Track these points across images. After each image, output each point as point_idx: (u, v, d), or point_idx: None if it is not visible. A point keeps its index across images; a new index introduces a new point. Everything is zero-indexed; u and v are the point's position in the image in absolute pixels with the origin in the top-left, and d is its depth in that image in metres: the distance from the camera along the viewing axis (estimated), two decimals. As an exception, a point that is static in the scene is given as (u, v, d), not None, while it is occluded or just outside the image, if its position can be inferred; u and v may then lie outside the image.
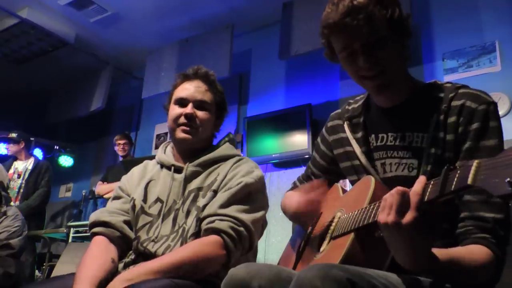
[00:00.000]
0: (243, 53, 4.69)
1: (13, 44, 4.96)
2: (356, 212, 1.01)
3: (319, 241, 1.14)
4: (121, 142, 4.56)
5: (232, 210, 1.29)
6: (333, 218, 1.14)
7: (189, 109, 1.43)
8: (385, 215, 0.83)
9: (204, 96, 1.46)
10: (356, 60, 1.05)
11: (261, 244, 3.89)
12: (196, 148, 1.47)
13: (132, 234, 1.39)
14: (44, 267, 4.16)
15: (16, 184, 4.55)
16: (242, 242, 1.28)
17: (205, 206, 1.33)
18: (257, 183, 1.38)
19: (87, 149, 6.04)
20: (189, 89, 1.46)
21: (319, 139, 1.38)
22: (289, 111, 4.05)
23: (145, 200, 1.42)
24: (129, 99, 5.76)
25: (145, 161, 1.59)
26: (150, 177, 1.48)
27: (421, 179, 0.83)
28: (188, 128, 1.42)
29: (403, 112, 1.11)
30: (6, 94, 6.02)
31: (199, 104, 1.45)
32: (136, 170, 1.56)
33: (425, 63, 3.54)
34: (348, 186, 1.31)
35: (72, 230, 4.19)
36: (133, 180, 1.51)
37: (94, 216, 1.41)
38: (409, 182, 0.92)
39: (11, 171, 4.59)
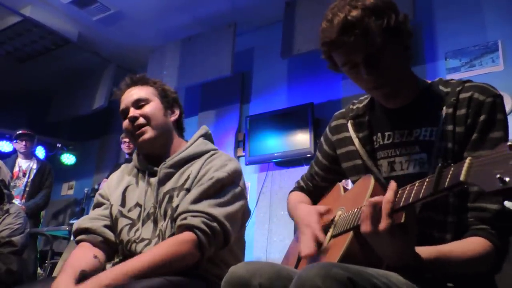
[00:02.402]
0: (245, 51, 4.69)
1: (16, 42, 4.98)
2: (355, 210, 1.02)
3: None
4: (127, 140, 4.53)
5: (204, 206, 1.27)
6: (334, 217, 1.15)
7: (130, 113, 1.43)
8: (364, 226, 0.90)
9: (138, 94, 1.45)
10: (360, 73, 1.05)
11: (262, 242, 3.93)
12: (160, 146, 1.45)
13: (113, 238, 1.41)
14: (46, 264, 4.18)
15: (21, 183, 4.57)
16: (216, 237, 1.26)
17: (178, 205, 1.32)
18: (230, 176, 1.35)
19: (89, 147, 6.05)
20: (123, 99, 1.48)
21: (322, 139, 1.37)
22: (291, 110, 4.05)
23: (123, 204, 1.43)
24: (132, 97, 5.76)
25: (123, 165, 1.59)
26: (128, 182, 1.49)
27: (392, 186, 0.89)
28: (138, 131, 1.41)
29: (410, 111, 1.11)
30: (8, 92, 6.03)
31: (136, 104, 1.44)
32: (114, 176, 1.56)
33: (427, 62, 3.53)
34: (350, 186, 1.31)
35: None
36: (112, 186, 1.52)
37: (76, 224, 1.43)
38: (421, 179, 0.92)
39: (16, 169, 4.61)
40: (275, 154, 4.01)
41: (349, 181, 1.27)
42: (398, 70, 1.06)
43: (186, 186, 1.36)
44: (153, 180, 1.42)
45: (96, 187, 4.99)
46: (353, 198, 1.13)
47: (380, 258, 0.95)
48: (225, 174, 1.34)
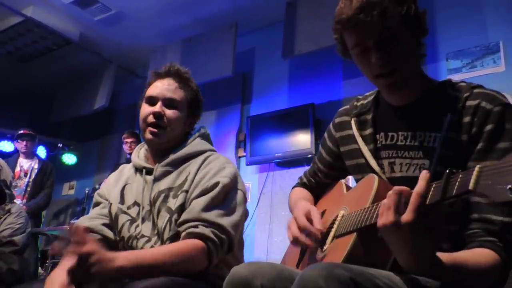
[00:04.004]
0: (246, 52, 4.69)
1: (18, 42, 4.98)
2: (359, 212, 1.01)
3: (321, 239, 1.14)
4: (128, 140, 4.55)
5: (214, 215, 1.29)
6: (337, 216, 1.14)
7: (157, 107, 1.41)
8: (383, 217, 0.83)
9: (174, 94, 1.44)
10: (369, 57, 1.02)
11: (263, 243, 3.93)
12: (166, 147, 1.45)
13: (112, 235, 1.42)
14: (47, 264, 4.18)
15: (23, 182, 4.58)
16: (223, 247, 1.29)
17: (179, 207, 1.33)
18: (232, 182, 1.37)
19: (90, 147, 6.06)
20: (159, 87, 1.44)
21: (326, 135, 1.36)
22: (292, 111, 4.05)
23: (122, 202, 1.44)
24: (133, 97, 5.76)
25: (122, 165, 1.60)
26: (125, 181, 1.49)
27: (424, 176, 0.81)
28: (155, 130, 1.40)
29: (415, 111, 1.09)
30: (10, 92, 6.04)
31: (168, 103, 1.42)
32: (112, 176, 1.57)
33: (428, 63, 3.52)
34: (351, 183, 1.31)
35: (75, 227, 4.20)
36: (110, 185, 1.53)
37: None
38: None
39: (17, 169, 4.61)
40: (276, 155, 4.01)
41: (351, 178, 1.27)
42: (408, 62, 1.04)
43: (185, 187, 1.36)
44: (149, 178, 1.43)
45: (97, 187, 4.99)
46: (356, 197, 1.12)
47: (384, 261, 0.94)
48: (229, 180, 1.36)
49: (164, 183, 1.40)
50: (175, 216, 1.33)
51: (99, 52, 5.24)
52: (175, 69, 1.49)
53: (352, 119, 1.22)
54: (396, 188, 0.83)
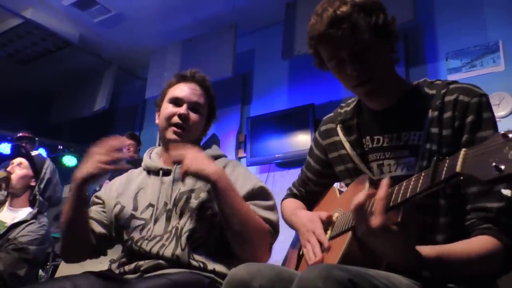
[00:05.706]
0: (246, 53, 4.69)
1: (17, 44, 4.99)
2: None
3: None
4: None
5: (274, 217, 1.38)
6: (332, 218, 1.15)
7: (183, 109, 1.45)
8: (358, 229, 0.91)
9: (199, 99, 1.50)
10: (345, 69, 1.06)
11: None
12: None
13: (101, 229, 1.45)
14: (48, 266, 4.18)
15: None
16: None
17: (200, 203, 1.35)
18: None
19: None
20: (185, 90, 1.49)
21: (312, 144, 1.38)
22: (292, 111, 4.06)
23: (135, 209, 1.44)
24: (133, 99, 5.77)
25: (129, 171, 1.61)
26: (138, 186, 1.49)
27: (384, 183, 0.89)
28: (179, 130, 1.44)
29: (396, 113, 1.12)
30: (10, 94, 6.04)
31: (194, 106, 1.48)
32: (117, 180, 1.58)
33: (428, 63, 3.53)
34: (344, 188, 1.31)
35: (75, 229, 4.19)
36: (111, 189, 1.53)
37: None
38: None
39: (18, 170, 4.60)
40: (276, 155, 4.01)
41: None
42: (382, 69, 1.08)
43: (208, 188, 1.38)
44: (167, 179, 1.44)
45: (97, 189, 4.98)
46: (349, 199, 1.12)
47: (380, 258, 0.95)
48: (264, 184, 1.45)
49: (185, 185, 1.41)
50: (196, 212, 1.35)
51: (99, 54, 5.25)
52: (201, 76, 1.55)
53: (338, 125, 1.26)
54: (354, 204, 0.90)
